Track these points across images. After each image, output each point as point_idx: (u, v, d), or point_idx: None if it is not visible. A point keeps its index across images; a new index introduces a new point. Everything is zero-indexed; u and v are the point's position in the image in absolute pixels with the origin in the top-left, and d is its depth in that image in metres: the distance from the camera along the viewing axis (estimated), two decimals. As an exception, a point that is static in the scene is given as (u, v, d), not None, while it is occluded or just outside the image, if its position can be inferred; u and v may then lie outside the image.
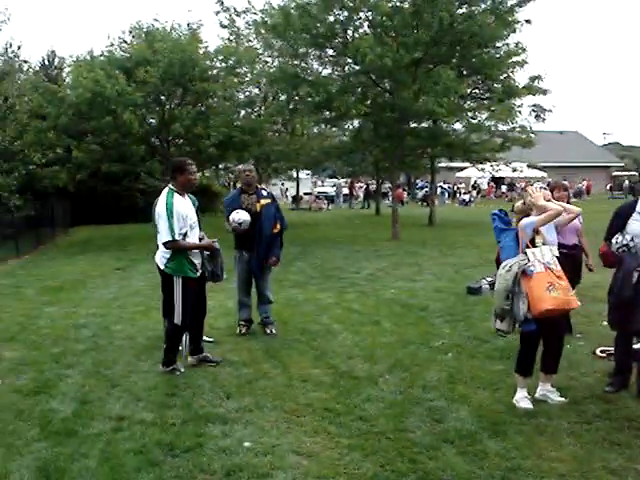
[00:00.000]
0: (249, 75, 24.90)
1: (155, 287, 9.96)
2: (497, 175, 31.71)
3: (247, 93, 26.42)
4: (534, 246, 5.46)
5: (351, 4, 18.83)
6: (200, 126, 20.93)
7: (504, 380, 6.07)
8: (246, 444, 4.80)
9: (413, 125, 23.94)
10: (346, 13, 19.24)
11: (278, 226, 8.08)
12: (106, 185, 28.60)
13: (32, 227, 20.28)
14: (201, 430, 5.06)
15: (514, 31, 21.10)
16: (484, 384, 6.06)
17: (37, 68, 31.74)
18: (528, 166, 39.18)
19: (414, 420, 5.23)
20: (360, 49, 17.70)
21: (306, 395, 5.84)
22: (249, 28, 25.76)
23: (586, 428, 5.03)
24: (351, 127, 26.65)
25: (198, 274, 6.54)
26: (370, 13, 19.29)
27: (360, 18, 19.68)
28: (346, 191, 48.20)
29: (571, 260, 6.99)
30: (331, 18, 19.25)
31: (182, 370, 6.54)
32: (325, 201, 42.86)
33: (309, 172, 50.05)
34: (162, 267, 6.47)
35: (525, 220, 5.57)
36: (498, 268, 5.59)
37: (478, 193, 51.28)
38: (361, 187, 48.19)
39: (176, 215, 6.20)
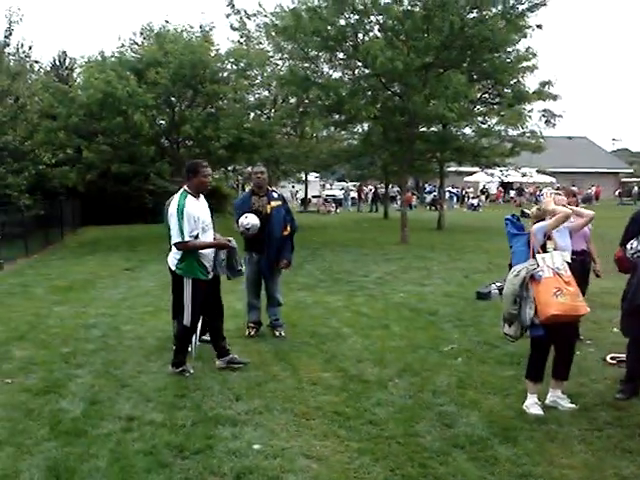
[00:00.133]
0: (259, 78, 24.94)
1: (164, 288, 10.01)
2: (506, 180, 31.66)
3: (257, 95, 26.45)
4: (545, 251, 5.44)
5: (362, 7, 18.81)
6: (210, 128, 20.90)
7: (514, 386, 6.05)
8: (256, 446, 4.79)
9: (422, 129, 23.95)
10: (357, 16, 19.21)
11: (288, 228, 8.07)
12: (115, 185, 28.65)
13: (41, 227, 20.35)
14: (211, 432, 5.05)
15: (525, 36, 21.10)
16: (494, 390, 6.04)
17: (48, 68, 31.84)
18: (537, 171, 39.09)
19: (424, 425, 5.21)
20: (371, 52, 17.69)
21: (316, 398, 5.82)
22: (259, 30, 25.79)
23: (597, 435, 5.01)
24: (360, 131, 26.65)
25: (210, 277, 6.53)
26: (381, 17, 19.28)
27: (371, 22, 19.66)
28: (354, 194, 48.19)
29: (579, 266, 6.97)
30: (342, 21, 19.21)
31: (191, 371, 6.54)
32: (333, 204, 42.85)
33: (317, 175, 50.06)
34: (173, 268, 6.51)
35: (536, 225, 5.57)
36: (511, 273, 5.58)
37: (487, 198, 51.22)
38: (371, 189, 48.11)
39: (186, 217, 6.21)
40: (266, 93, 27.41)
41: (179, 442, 4.86)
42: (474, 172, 43.48)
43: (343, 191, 48.50)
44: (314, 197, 46.37)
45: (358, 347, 7.63)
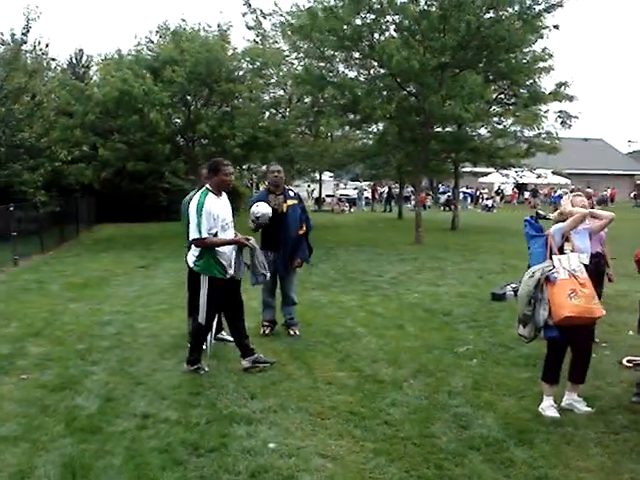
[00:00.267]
0: (275, 77, 24.96)
1: (178, 286, 10.05)
2: (521, 181, 31.52)
3: (272, 94, 26.49)
4: (562, 253, 5.41)
5: (378, 7, 18.77)
6: (225, 126, 20.93)
7: (530, 388, 6.02)
8: (271, 445, 4.79)
9: (438, 129, 23.87)
10: (373, 16, 19.14)
11: (304, 227, 8.07)
12: (131, 183, 28.76)
13: (57, 223, 20.43)
14: (225, 430, 5.05)
15: (541, 37, 20.97)
16: (510, 391, 6.00)
17: (65, 66, 32.05)
18: (553, 173, 38.89)
19: (440, 426, 5.19)
20: (386, 51, 17.65)
21: (331, 398, 5.81)
22: (275, 30, 25.81)
23: (614, 439, 4.97)
24: (375, 130, 26.60)
25: (228, 276, 6.52)
26: (397, 16, 19.21)
27: (387, 21, 19.58)
28: (368, 194, 48.12)
29: (594, 268, 6.92)
30: (358, 21, 19.16)
31: (206, 369, 6.54)
32: (347, 204, 42.79)
33: (332, 174, 50.03)
34: (191, 265, 6.53)
35: (555, 226, 5.55)
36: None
37: (502, 199, 51.04)
38: (385, 189, 47.99)
39: (205, 214, 6.22)
40: (281, 92, 27.49)
41: (194, 440, 4.87)
42: (489, 173, 43.25)
43: (357, 191, 48.43)
44: (328, 196, 46.33)
45: (373, 347, 7.62)
